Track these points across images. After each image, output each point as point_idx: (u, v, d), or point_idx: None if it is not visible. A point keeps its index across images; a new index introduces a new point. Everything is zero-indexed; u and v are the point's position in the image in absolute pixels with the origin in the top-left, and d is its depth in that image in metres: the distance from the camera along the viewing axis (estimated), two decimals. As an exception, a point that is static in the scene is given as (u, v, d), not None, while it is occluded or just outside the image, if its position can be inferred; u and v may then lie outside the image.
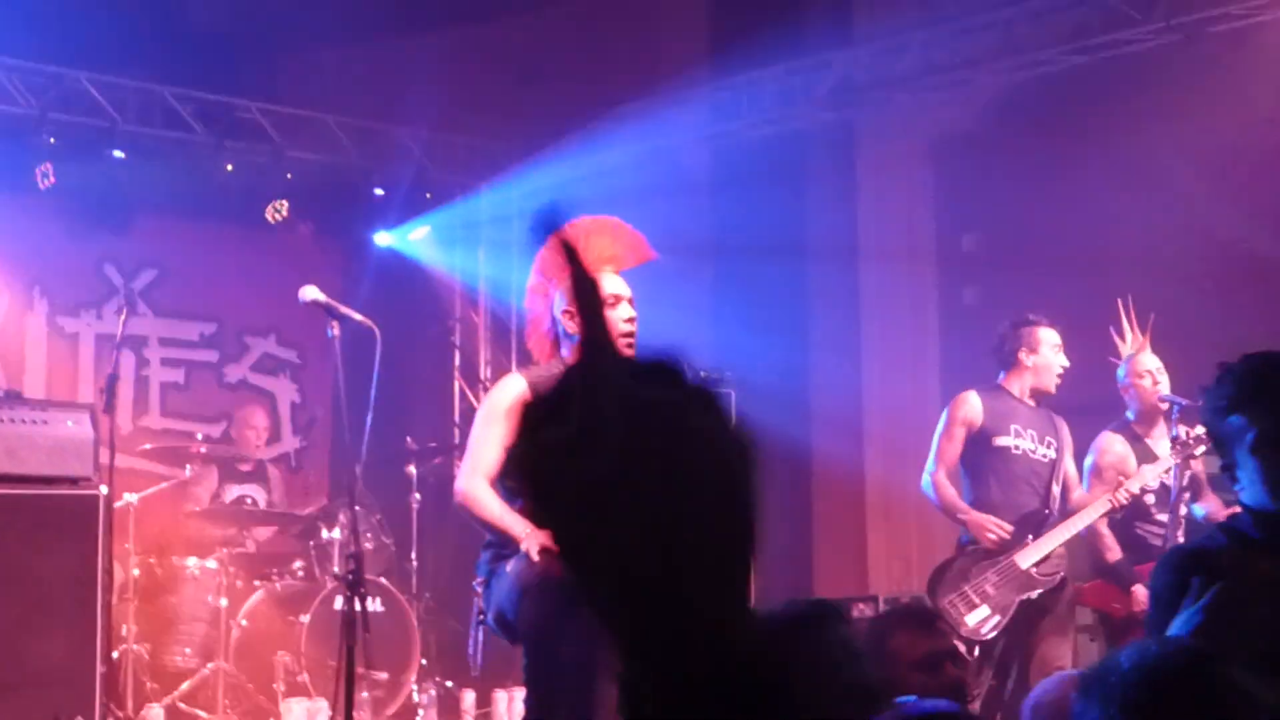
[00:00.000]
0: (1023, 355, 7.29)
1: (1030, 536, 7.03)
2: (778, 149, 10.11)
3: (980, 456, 7.25)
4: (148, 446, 9.55)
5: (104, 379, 8.67)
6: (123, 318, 8.81)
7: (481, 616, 5.44)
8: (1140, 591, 7.11)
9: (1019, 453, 7.19)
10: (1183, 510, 7.24)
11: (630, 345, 5.19)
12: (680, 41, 10.69)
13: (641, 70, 10.58)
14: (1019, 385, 7.30)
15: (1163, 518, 7.27)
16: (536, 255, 5.37)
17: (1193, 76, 8.77)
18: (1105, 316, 7.72)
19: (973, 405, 7.31)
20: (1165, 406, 7.29)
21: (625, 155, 10.27)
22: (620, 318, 5.18)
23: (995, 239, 9.97)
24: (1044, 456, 7.22)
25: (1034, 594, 6.99)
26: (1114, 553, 7.31)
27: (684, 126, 10.14)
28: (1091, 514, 7.06)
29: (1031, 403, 7.31)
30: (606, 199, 9.96)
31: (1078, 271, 9.41)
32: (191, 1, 10.18)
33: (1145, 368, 7.42)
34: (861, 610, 9.46)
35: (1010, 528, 7.01)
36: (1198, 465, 7.38)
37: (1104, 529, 7.33)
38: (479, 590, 5.56)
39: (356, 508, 8.72)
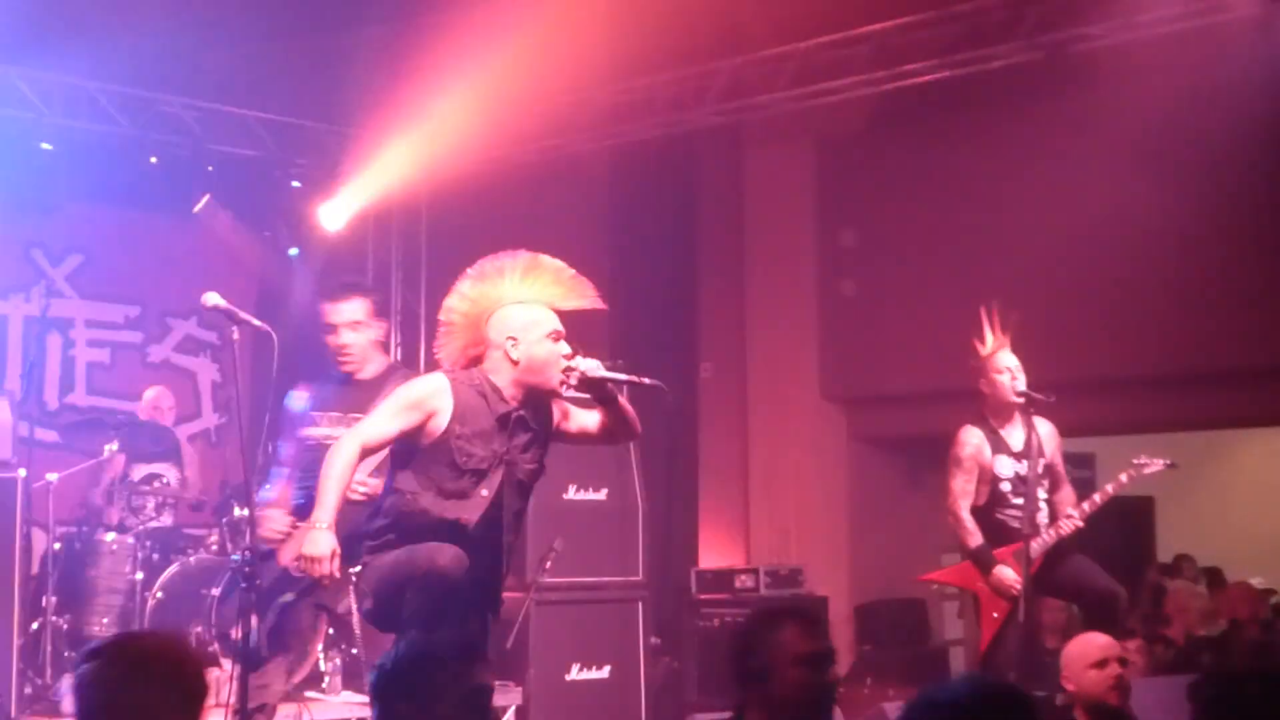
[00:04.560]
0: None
1: None
2: (671, 149, 9.96)
3: None
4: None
5: (28, 362, 8.49)
6: (45, 303, 8.66)
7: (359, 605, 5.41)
8: (1000, 573, 7.08)
9: None
10: (1041, 496, 7.18)
11: (564, 383, 5.12)
12: (580, 46, 10.48)
13: (544, 71, 10.41)
14: None
15: (1017, 501, 7.21)
16: (466, 274, 5.24)
17: (1053, 92, 8.74)
18: (971, 306, 7.59)
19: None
20: (1021, 401, 7.19)
21: (529, 153, 10.10)
22: (560, 353, 5.12)
23: (871, 235, 9.90)
24: None
25: None
26: (975, 538, 7.22)
27: (583, 126, 9.97)
28: None
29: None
30: (508, 193, 9.87)
31: (947, 265, 9.39)
32: (116, 1, 9.87)
33: (1004, 365, 7.28)
34: (743, 581, 9.42)
35: None
36: (1056, 456, 7.32)
37: (965, 515, 7.25)
38: (354, 579, 5.44)
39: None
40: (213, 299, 5.23)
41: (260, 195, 10.14)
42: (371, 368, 6.07)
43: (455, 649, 3.75)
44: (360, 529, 5.21)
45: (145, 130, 9.51)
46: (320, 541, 4.90)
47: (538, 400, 5.17)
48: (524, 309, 5.13)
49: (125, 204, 9.93)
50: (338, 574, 4.99)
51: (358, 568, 5.26)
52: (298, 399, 6.09)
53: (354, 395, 5.94)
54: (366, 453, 5.05)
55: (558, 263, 5.25)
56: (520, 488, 5.16)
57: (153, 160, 9.64)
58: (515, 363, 5.06)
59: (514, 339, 5.07)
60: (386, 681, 3.61)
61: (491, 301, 5.15)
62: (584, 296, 5.27)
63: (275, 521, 5.92)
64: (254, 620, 5.22)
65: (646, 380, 5.31)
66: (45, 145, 9.28)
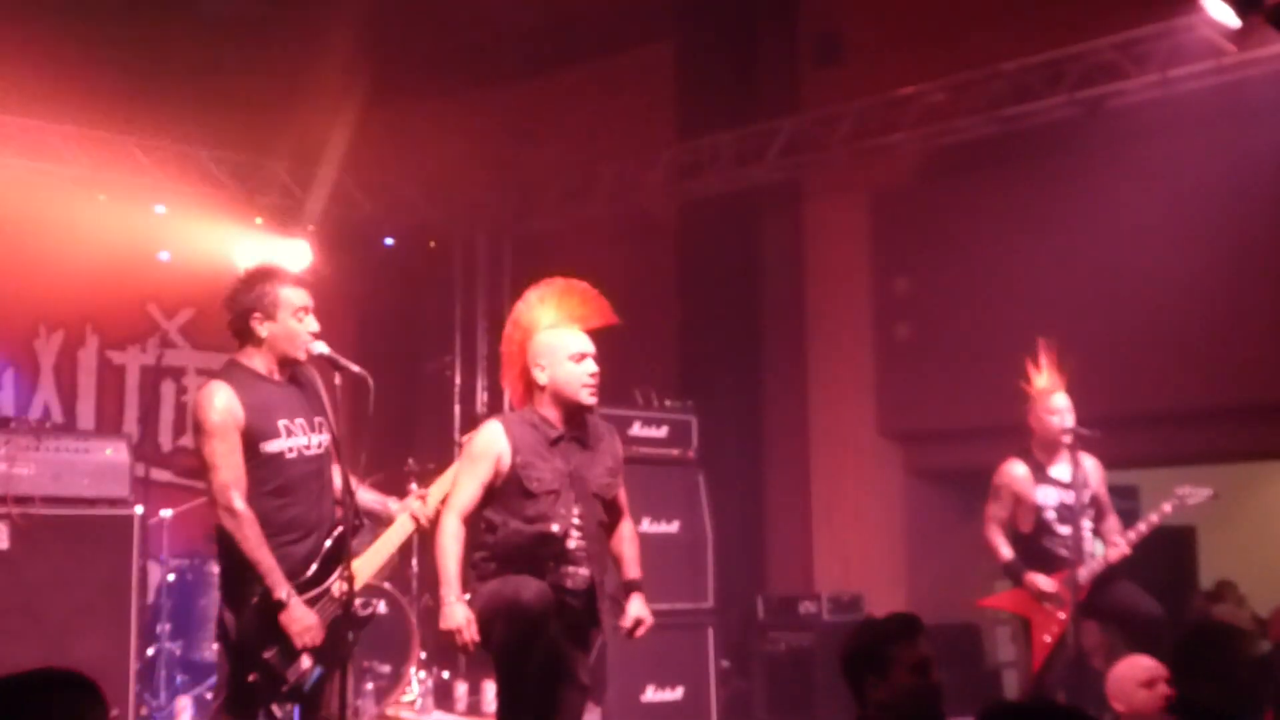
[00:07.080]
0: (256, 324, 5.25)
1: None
2: (735, 202, 9.95)
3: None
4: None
5: (144, 408, 8.54)
6: (159, 353, 8.74)
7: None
8: (1033, 579, 7.11)
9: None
10: (1086, 525, 7.13)
11: (593, 395, 5.11)
12: (651, 109, 10.54)
13: (619, 133, 10.46)
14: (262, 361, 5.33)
15: (1064, 530, 7.14)
16: (514, 307, 5.24)
17: (1093, 143, 8.66)
18: (1018, 347, 7.50)
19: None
20: (1069, 440, 7.12)
21: (605, 207, 10.12)
22: (585, 372, 5.10)
23: (923, 281, 9.83)
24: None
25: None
26: (1003, 552, 7.27)
27: (654, 182, 9.98)
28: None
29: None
30: (586, 245, 9.88)
31: (995, 309, 9.30)
32: (221, 75, 10.02)
33: (1056, 406, 7.22)
34: (807, 607, 9.33)
35: None
36: (1101, 487, 7.26)
37: (992, 536, 7.29)
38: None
39: (364, 522, 8.71)
40: (318, 347, 5.20)
41: (355, 250, 10.22)
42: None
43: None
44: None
45: (251, 193, 9.63)
46: (455, 614, 4.91)
47: (579, 418, 5.14)
48: (552, 333, 5.10)
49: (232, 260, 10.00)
50: (478, 638, 4.94)
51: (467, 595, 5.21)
52: (229, 399, 5.18)
53: (302, 397, 5.25)
54: (466, 520, 5.05)
55: (583, 284, 5.21)
56: (597, 500, 5.14)
57: (258, 220, 9.73)
58: (544, 387, 5.06)
59: (541, 365, 5.08)
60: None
61: (528, 330, 5.15)
62: (606, 315, 5.23)
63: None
64: (309, 662, 5.07)
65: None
66: (160, 208, 9.39)
